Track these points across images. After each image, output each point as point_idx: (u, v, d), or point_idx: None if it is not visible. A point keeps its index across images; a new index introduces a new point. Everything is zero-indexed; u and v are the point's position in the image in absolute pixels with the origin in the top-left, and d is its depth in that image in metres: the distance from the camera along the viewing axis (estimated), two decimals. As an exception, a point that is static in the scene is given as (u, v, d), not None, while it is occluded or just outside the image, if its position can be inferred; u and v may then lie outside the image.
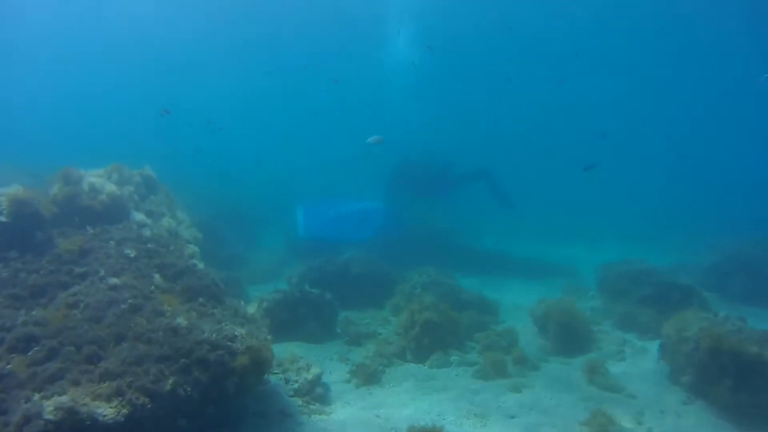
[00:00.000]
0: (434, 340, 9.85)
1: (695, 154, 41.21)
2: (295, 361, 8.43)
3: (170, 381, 5.32)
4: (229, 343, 6.15)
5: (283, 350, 9.88)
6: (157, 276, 7.52)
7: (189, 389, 5.43)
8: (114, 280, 6.92)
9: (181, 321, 6.19)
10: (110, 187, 8.97)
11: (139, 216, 8.89)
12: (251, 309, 8.18)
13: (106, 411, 4.82)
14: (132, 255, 7.71)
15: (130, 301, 6.52)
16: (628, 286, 13.67)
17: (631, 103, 41.21)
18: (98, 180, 8.98)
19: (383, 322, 11.66)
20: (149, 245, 8.16)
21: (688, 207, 32.44)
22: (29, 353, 5.42)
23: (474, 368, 9.44)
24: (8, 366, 5.20)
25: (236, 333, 6.39)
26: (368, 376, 8.64)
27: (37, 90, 44.00)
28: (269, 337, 7.21)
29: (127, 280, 7.08)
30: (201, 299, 7.31)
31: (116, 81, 42.99)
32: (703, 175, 39.95)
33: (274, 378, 8.16)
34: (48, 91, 43.98)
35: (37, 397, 4.86)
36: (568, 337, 10.98)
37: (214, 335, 6.14)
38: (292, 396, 7.85)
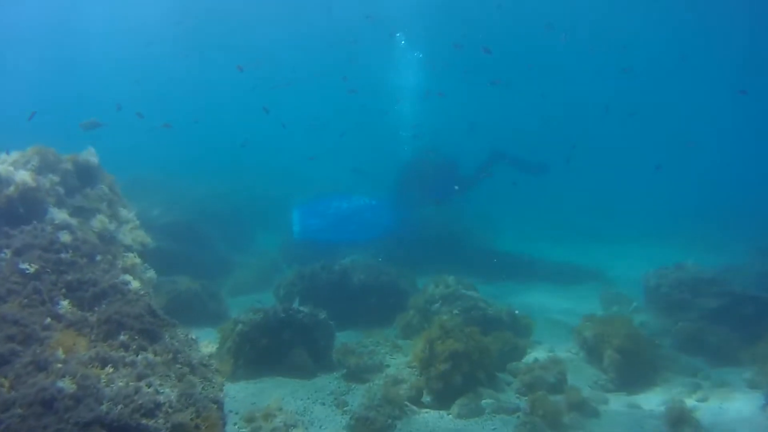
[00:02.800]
0: (462, 377, 7.42)
1: (720, 149, 38.55)
2: (270, 417, 6.04)
3: None
4: (143, 422, 3.75)
5: (259, 392, 7.53)
6: (63, 302, 5.13)
7: None
8: (-16, 312, 4.53)
9: (66, 384, 3.79)
10: (22, 177, 6.59)
11: (59, 215, 6.50)
12: (207, 347, 5.81)
13: None
14: (31, 270, 5.32)
15: (-6, 347, 4.14)
16: (688, 297, 11.22)
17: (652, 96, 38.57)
18: (5, 168, 6.61)
19: (392, 349, 9.22)
20: (63, 255, 5.77)
21: (719, 202, 29.77)
22: None
23: (515, 418, 7.00)
24: None
25: (160, 400, 4.00)
26: (373, 436, 6.23)
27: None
28: (222, 395, 4.81)
29: (8, 310, 4.68)
30: (124, 336, 4.91)
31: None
32: (733, 169, 37.29)
33: (238, 442, 5.78)
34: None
35: None
36: (629, 367, 8.58)
37: (118, 408, 3.75)
38: (261, 475, 5.45)
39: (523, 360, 9.14)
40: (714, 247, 21.36)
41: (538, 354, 9.60)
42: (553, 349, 10.21)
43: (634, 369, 8.59)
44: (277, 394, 7.46)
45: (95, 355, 4.40)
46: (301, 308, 8.84)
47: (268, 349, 8.32)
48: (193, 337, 5.88)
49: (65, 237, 6.10)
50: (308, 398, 7.45)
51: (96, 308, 5.30)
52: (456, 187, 16.65)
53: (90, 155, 7.94)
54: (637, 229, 24.55)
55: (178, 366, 4.91)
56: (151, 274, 6.83)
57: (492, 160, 17.47)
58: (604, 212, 28.83)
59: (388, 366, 8.56)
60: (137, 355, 4.71)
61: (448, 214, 18.62)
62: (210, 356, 5.75)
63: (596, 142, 36.25)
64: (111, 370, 4.29)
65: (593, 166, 34.17)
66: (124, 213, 7.78)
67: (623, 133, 37.64)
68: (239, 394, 7.48)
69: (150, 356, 4.77)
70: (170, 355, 4.94)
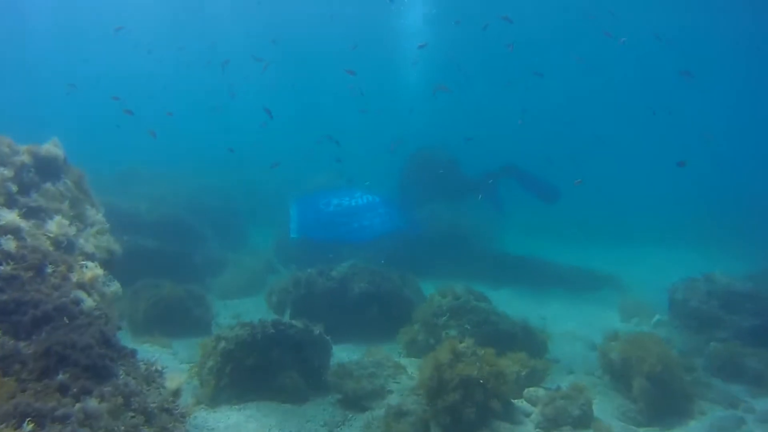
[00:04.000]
0: (475, 409, 6.42)
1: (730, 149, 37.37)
2: (249, 463, 5.04)
3: None
4: None
5: (243, 422, 6.57)
6: (-10, 330, 4.15)
7: None
8: None
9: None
10: (-36, 171, 5.59)
11: (7, 216, 5.50)
12: (173, 381, 4.77)
13: None
14: (-46, 289, 4.33)
15: None
16: (721, 314, 10.22)
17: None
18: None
19: (395, 371, 8.18)
20: (1, 267, 4.77)
21: (728, 203, 28.63)
22: None
23: (538, 463, 6.02)
24: None
25: (90, 477, 3.00)
26: (372, 488, 5.24)
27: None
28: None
29: None
30: (64, 375, 3.93)
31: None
32: (743, 170, 36.10)
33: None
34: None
35: None
36: (661, 396, 7.58)
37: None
38: None
39: (543, 385, 8.13)
40: (728, 249, 20.45)
41: (557, 377, 8.64)
42: (573, 370, 9.26)
43: (667, 399, 7.61)
44: (262, 424, 6.50)
45: (14, 408, 3.40)
46: (294, 322, 7.84)
47: (255, 370, 7.33)
48: (159, 368, 4.90)
49: (9, 244, 5.11)
50: (298, 431, 6.47)
51: (34, 337, 4.32)
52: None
53: (53, 146, 6.94)
54: (648, 231, 23.61)
55: (131, 414, 3.94)
56: (115, 287, 5.81)
57: (502, 173, 16.42)
58: (612, 213, 27.82)
59: (390, 392, 7.55)
60: (76, 403, 3.72)
61: (453, 212, 17.65)
62: (176, 393, 4.76)
63: (605, 143, 35.21)
64: (31, 428, 3.30)
65: (602, 168, 33.07)
66: (92, 214, 6.79)
67: (633, 134, 36.60)
68: (219, 425, 6.50)
69: (93, 403, 3.78)
70: (120, 400, 3.95)
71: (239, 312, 11.74)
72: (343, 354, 9.22)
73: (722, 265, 18.57)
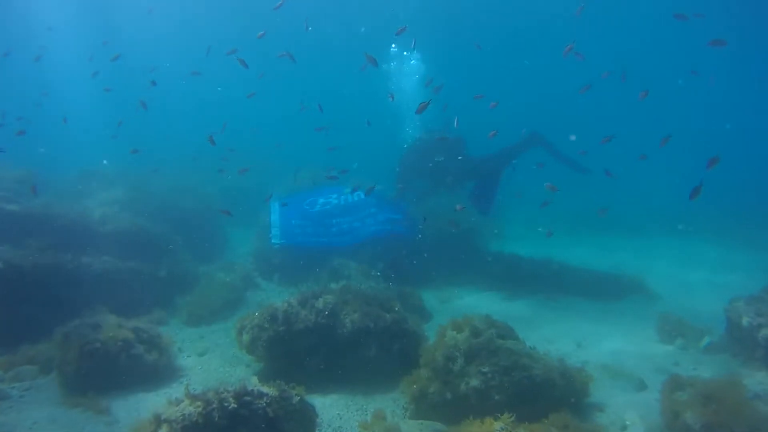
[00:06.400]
0: None
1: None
2: None
3: None
4: None
5: None
6: None
7: None
8: None
9: None
10: None
11: None
12: None
13: None
14: None
15: None
16: (800, 343, 8.28)
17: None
18: None
19: (402, 450, 6.17)
20: None
21: (737, 191, 26.69)
22: None
23: None
24: None
25: None
26: None
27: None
28: None
29: None
30: None
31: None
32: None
33: None
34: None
35: None
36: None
37: None
38: None
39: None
40: (743, 238, 18.74)
41: (611, 439, 6.67)
42: (626, 423, 7.26)
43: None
44: None
45: None
46: (264, 390, 5.78)
47: (211, 464, 5.28)
48: None
49: None
50: None
51: None
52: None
53: None
54: (655, 220, 21.70)
55: None
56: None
57: (528, 143, 14.25)
58: (615, 201, 25.86)
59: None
60: None
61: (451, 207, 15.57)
62: None
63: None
64: None
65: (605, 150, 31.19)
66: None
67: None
68: None
69: None
70: None
71: (207, 347, 9.72)
72: (332, 411, 7.24)
73: (744, 258, 16.88)
